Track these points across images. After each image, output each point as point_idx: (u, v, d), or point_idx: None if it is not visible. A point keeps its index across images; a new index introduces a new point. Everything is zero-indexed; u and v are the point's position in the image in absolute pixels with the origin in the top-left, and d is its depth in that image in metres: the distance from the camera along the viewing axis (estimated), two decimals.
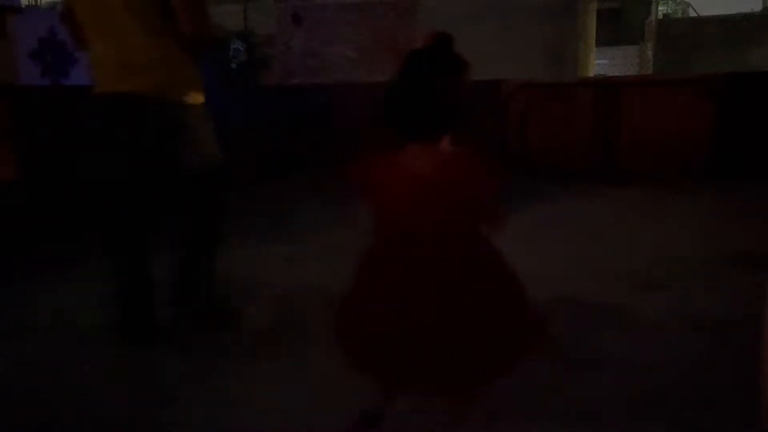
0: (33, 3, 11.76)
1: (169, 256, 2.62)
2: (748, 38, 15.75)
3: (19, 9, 5.48)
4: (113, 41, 2.17)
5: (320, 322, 2.65)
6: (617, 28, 18.65)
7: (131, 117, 2.17)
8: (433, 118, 1.41)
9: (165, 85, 2.19)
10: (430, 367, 1.48)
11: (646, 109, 5.83)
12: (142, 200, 2.36)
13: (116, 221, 2.39)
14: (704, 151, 5.63)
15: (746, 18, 16.60)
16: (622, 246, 3.68)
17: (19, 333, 2.63)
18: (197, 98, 2.30)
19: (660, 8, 20.66)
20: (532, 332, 1.61)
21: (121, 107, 2.18)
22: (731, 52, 15.62)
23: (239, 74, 6.98)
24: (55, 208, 4.17)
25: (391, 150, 1.48)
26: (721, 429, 1.78)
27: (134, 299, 2.38)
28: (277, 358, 2.30)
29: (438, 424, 1.81)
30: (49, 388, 2.15)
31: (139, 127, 2.18)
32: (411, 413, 1.89)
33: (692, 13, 21.21)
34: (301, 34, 11.33)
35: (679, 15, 22.38)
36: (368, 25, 12.15)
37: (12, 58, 4.50)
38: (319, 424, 1.86)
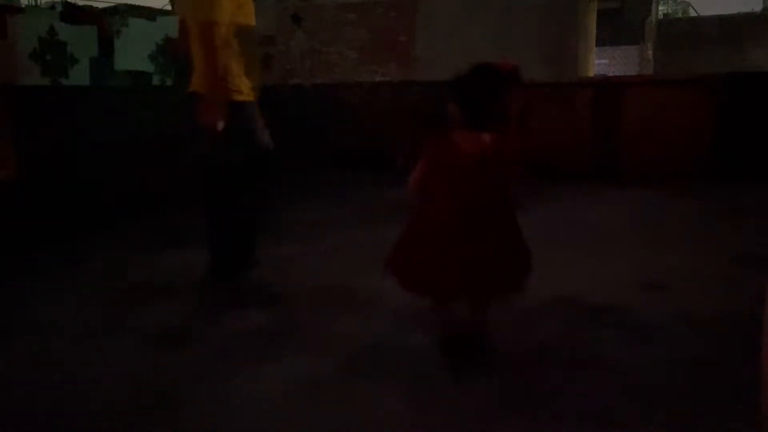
0: (33, 3, 11.78)
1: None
2: (748, 38, 15.76)
3: (19, 9, 5.49)
4: (195, 55, 2.97)
5: (320, 322, 2.66)
6: (617, 28, 18.65)
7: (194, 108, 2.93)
8: (495, 115, 2.04)
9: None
10: (479, 279, 2.08)
11: (647, 109, 5.83)
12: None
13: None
14: (704, 151, 5.63)
15: (746, 18, 16.61)
16: (622, 246, 3.68)
17: (18, 333, 2.64)
18: (237, 97, 2.92)
19: (660, 8, 20.70)
20: (530, 263, 2.21)
21: (192, 101, 2.94)
22: (731, 52, 15.63)
23: None
24: (55, 208, 4.18)
25: (445, 134, 2.07)
26: (720, 429, 1.78)
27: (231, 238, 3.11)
28: (278, 358, 2.30)
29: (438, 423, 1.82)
30: (48, 389, 2.15)
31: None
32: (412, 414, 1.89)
33: (692, 13, 21.22)
34: (301, 34, 11.33)
35: (679, 15, 22.42)
36: (368, 25, 12.14)
37: (12, 58, 4.49)
38: (320, 424, 1.86)
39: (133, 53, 5.38)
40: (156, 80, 5.58)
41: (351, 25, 12.05)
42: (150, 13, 6.60)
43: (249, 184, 3.10)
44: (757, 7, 18.47)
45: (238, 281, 3.14)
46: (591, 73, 12.21)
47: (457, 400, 1.97)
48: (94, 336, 2.58)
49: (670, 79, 6.84)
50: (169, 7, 11.62)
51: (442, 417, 1.87)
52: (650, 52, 17.15)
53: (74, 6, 5.95)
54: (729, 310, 2.62)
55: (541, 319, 2.61)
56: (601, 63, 17.44)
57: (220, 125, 2.86)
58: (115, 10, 6.82)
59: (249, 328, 2.61)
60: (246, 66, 3.03)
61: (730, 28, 16.16)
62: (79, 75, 4.99)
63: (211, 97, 2.84)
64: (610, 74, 16.47)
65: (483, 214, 2.07)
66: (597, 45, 13.31)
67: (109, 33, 5.20)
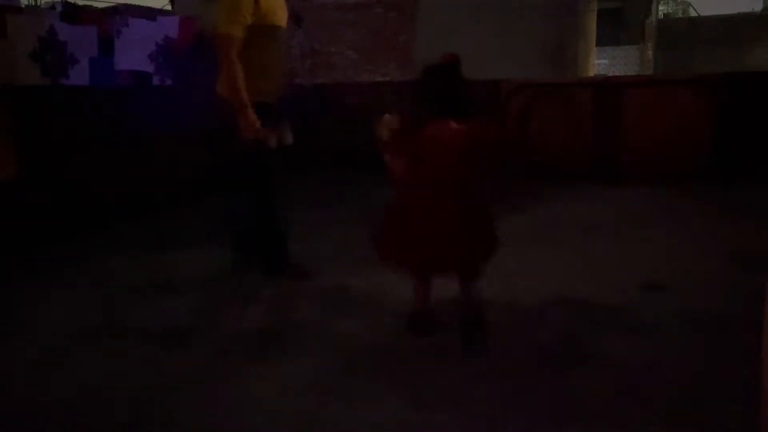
0: (33, 3, 11.76)
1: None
2: (748, 38, 15.76)
3: (19, 9, 5.47)
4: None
5: (320, 322, 2.66)
6: (617, 28, 18.65)
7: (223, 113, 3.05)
8: (459, 104, 2.24)
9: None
10: (449, 257, 2.29)
11: (646, 109, 5.83)
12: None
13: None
14: (704, 150, 5.62)
15: (746, 18, 16.61)
16: (622, 246, 3.68)
17: (18, 333, 2.64)
18: (251, 99, 2.92)
19: (660, 8, 20.69)
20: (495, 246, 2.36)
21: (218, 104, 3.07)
22: (731, 51, 15.63)
23: None
24: (55, 208, 4.17)
25: (420, 123, 2.23)
26: (720, 429, 1.78)
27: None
28: (278, 358, 2.30)
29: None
30: (48, 389, 2.15)
31: None
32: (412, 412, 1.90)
33: (692, 13, 21.22)
34: (301, 34, 11.33)
35: (679, 15, 22.42)
36: (368, 25, 12.14)
37: (12, 58, 4.48)
38: (320, 424, 1.86)
39: (133, 53, 5.37)
40: (156, 80, 5.57)
41: (351, 25, 12.04)
42: (150, 13, 6.58)
43: (248, 183, 3.13)
44: (757, 7, 18.49)
45: (238, 281, 3.15)
46: (591, 73, 12.19)
47: (457, 400, 1.97)
48: (94, 336, 2.58)
49: (669, 79, 6.83)
50: (169, 7, 11.61)
51: (442, 417, 1.87)
52: (650, 52, 17.15)
53: (74, 6, 5.94)
54: (728, 310, 2.62)
55: (541, 319, 2.62)
56: (601, 63, 17.42)
57: (259, 125, 2.87)
58: (115, 10, 6.81)
59: (249, 328, 2.61)
60: (272, 67, 3.01)
61: (730, 28, 16.15)
62: (79, 75, 4.98)
63: (241, 110, 2.84)
64: (610, 74, 16.47)
65: (453, 199, 2.23)
66: (597, 45, 13.29)
67: (109, 33, 5.19)
